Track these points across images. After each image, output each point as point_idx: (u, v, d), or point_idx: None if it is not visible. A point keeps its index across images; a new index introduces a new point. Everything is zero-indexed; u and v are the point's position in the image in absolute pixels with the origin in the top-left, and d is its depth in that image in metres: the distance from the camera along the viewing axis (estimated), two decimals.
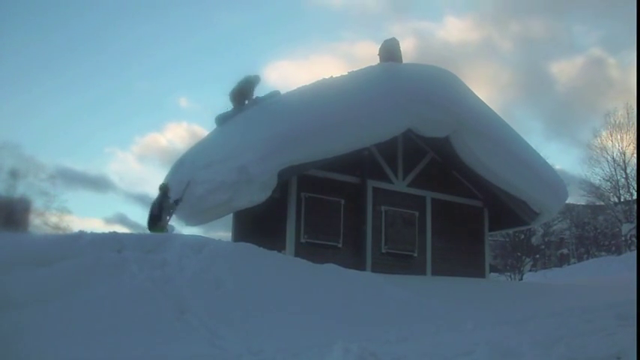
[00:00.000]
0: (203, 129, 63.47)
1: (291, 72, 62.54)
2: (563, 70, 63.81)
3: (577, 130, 56.44)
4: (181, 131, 60.90)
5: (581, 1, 65.54)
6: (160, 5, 62.50)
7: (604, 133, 34.35)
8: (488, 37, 65.58)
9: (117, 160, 57.79)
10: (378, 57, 13.63)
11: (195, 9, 66.05)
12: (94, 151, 59.51)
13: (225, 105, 13.44)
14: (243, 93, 13.29)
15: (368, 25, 69.44)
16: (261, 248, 9.92)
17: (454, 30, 67.62)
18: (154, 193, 15.57)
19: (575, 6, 64.58)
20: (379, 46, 13.71)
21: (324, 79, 13.06)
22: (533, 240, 31.99)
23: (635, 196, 32.24)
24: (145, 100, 64.54)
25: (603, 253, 33.03)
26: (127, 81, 62.57)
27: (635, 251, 23.13)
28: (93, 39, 59.63)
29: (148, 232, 11.36)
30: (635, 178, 31.56)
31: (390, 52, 13.48)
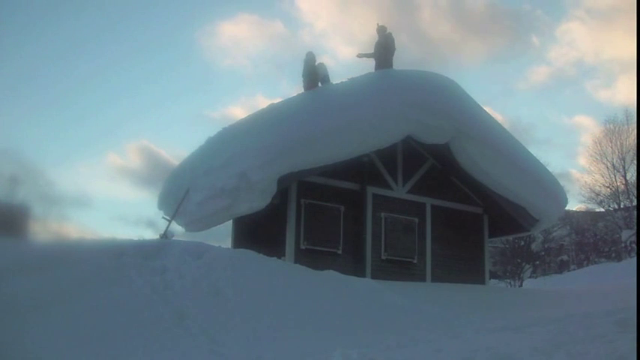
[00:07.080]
0: (159, 148, 64.98)
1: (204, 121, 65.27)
2: None
3: None
4: (146, 151, 61.03)
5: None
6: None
7: (604, 140, 34.50)
8: None
9: (87, 177, 57.40)
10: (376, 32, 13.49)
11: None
12: (63, 169, 58.91)
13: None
14: (313, 73, 13.03)
15: (264, 81, 77.65)
16: (261, 255, 9.92)
17: None
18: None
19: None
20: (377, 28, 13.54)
21: (324, 85, 13.08)
22: (533, 246, 31.91)
23: (634, 203, 32.25)
24: (109, 119, 64.45)
25: (603, 260, 32.97)
26: (92, 100, 62.36)
27: (635, 258, 23.10)
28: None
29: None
30: (635, 184, 31.56)
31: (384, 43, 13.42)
